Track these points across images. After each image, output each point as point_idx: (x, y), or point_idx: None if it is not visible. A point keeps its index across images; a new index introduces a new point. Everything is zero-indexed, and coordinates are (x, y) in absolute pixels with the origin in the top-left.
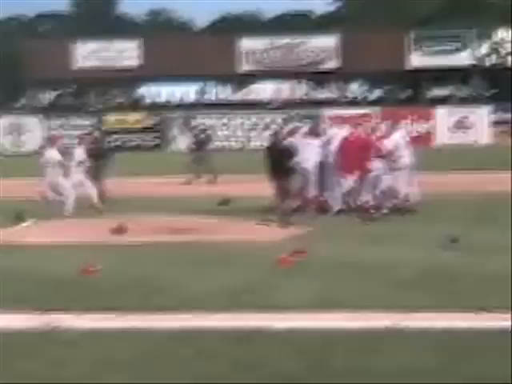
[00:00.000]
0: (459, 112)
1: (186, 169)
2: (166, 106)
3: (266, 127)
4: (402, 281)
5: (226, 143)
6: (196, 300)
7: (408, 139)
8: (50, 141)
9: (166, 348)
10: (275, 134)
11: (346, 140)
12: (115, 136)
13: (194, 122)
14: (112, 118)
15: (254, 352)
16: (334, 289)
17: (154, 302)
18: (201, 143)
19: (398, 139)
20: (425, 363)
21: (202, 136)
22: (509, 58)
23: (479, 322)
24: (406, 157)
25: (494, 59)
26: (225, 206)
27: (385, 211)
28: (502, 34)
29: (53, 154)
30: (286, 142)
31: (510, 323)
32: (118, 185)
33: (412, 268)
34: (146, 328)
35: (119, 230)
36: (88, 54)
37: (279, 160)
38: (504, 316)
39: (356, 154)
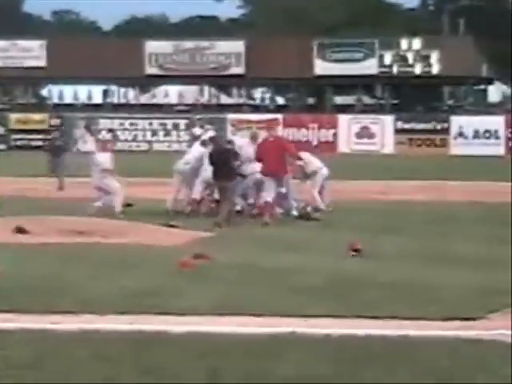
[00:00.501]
0: (363, 120)
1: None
2: (70, 107)
3: (170, 131)
4: (305, 287)
5: (129, 146)
6: (96, 302)
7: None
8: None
9: (62, 350)
10: (214, 137)
11: (264, 142)
12: (18, 136)
13: (97, 124)
14: (15, 118)
15: (152, 355)
16: (235, 294)
17: (53, 303)
18: (57, 148)
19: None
20: (323, 369)
21: (58, 142)
22: (416, 67)
23: (377, 329)
24: (317, 163)
25: (397, 68)
26: (129, 209)
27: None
28: (406, 43)
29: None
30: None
31: (407, 332)
32: (21, 185)
33: (316, 274)
34: (44, 329)
35: (20, 231)
36: None
37: (224, 163)
38: (401, 323)
39: (274, 157)
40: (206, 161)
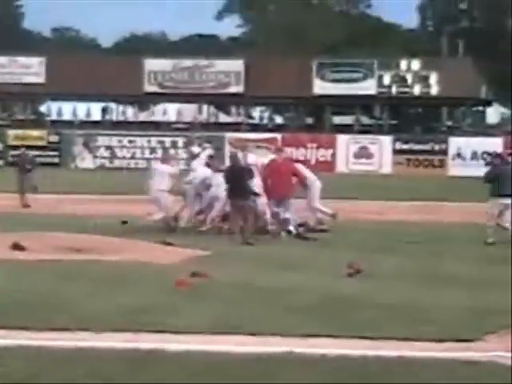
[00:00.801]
0: (361, 140)
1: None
2: (69, 124)
3: (168, 149)
4: (301, 306)
5: (127, 163)
6: (92, 319)
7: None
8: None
9: (58, 367)
10: (234, 155)
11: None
12: (16, 152)
13: (95, 141)
14: (13, 134)
15: (147, 374)
16: (232, 312)
17: (49, 320)
18: (24, 165)
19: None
20: None
21: (26, 158)
22: (414, 87)
23: (374, 350)
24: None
25: (397, 89)
26: (126, 226)
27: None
28: (405, 64)
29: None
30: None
31: (401, 353)
32: (19, 201)
33: (312, 294)
34: (40, 346)
35: (17, 247)
36: None
37: (239, 181)
38: (398, 344)
39: (282, 178)
40: (215, 179)
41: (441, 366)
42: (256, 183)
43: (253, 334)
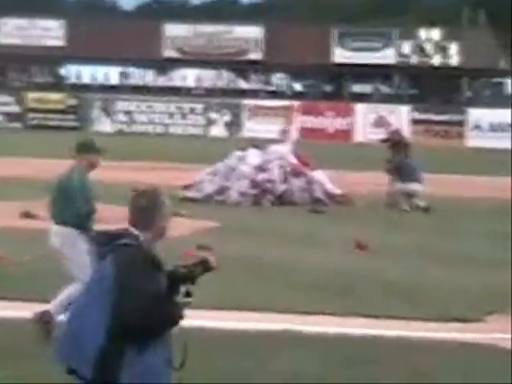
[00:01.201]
0: (379, 109)
1: None
2: (88, 88)
3: (186, 114)
4: (306, 283)
5: (146, 128)
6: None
7: None
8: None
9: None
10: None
11: None
12: (34, 115)
13: (114, 106)
14: (32, 97)
15: None
16: (236, 288)
17: (58, 291)
18: None
19: None
20: (315, 368)
21: None
22: (434, 57)
23: (372, 329)
24: None
25: (416, 59)
26: None
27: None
28: (425, 33)
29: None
30: None
31: (401, 333)
32: (36, 166)
33: (315, 270)
34: None
35: (28, 215)
36: (11, 30)
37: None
38: (397, 323)
39: None
40: None
41: (439, 347)
42: None
43: (254, 311)
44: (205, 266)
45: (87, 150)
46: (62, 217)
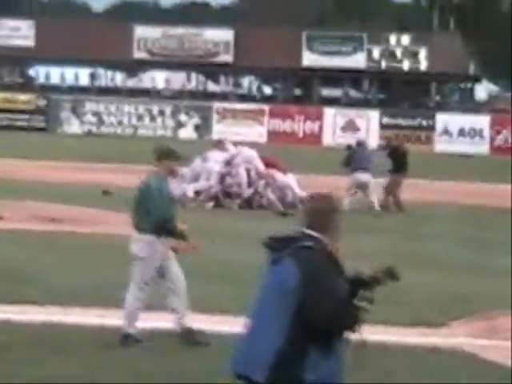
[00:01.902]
0: (348, 114)
1: None
2: (57, 89)
3: (155, 117)
4: None
5: (114, 130)
6: (62, 294)
7: None
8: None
9: (24, 341)
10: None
11: None
12: (3, 115)
13: (83, 107)
14: (1, 97)
15: (115, 352)
16: (209, 291)
17: (18, 292)
18: None
19: None
20: None
21: None
22: (404, 62)
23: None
24: None
25: (386, 63)
26: (107, 196)
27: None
28: (395, 38)
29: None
30: None
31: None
32: (2, 167)
33: None
34: (7, 320)
35: None
36: None
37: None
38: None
39: None
40: None
41: (405, 351)
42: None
43: (223, 313)
44: (390, 275)
45: (167, 156)
46: (142, 224)
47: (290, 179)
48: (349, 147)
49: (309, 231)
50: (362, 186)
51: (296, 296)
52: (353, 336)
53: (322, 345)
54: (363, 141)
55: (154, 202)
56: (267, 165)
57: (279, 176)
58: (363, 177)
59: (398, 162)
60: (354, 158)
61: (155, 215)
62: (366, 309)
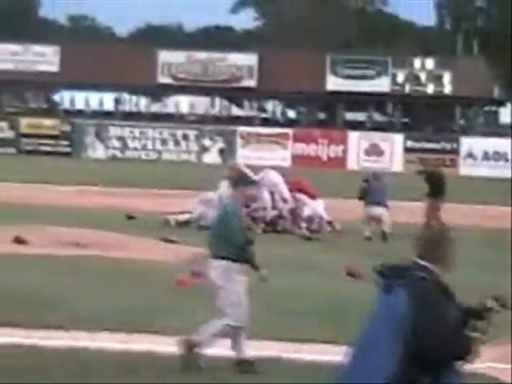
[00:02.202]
0: (372, 137)
1: None
2: (81, 114)
3: (179, 141)
4: (300, 311)
5: (139, 154)
6: (86, 318)
7: None
8: None
9: (49, 366)
10: None
11: None
12: (28, 140)
13: (107, 132)
14: (26, 122)
15: (135, 377)
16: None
17: (43, 317)
18: None
19: None
20: None
21: None
22: (428, 86)
23: None
24: None
25: (410, 87)
26: (131, 221)
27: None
28: (419, 62)
29: None
30: None
31: None
32: (28, 191)
33: (311, 298)
34: (32, 345)
35: (19, 241)
36: (4, 55)
37: None
38: None
39: None
40: None
41: None
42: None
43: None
44: (501, 303)
45: (243, 183)
46: (220, 251)
47: (318, 204)
48: (366, 180)
49: (422, 262)
50: (376, 219)
51: (407, 323)
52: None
53: (434, 375)
54: (380, 173)
55: (232, 228)
56: (297, 189)
57: (305, 200)
58: (377, 211)
59: (435, 186)
60: (369, 191)
61: (234, 242)
62: (479, 339)
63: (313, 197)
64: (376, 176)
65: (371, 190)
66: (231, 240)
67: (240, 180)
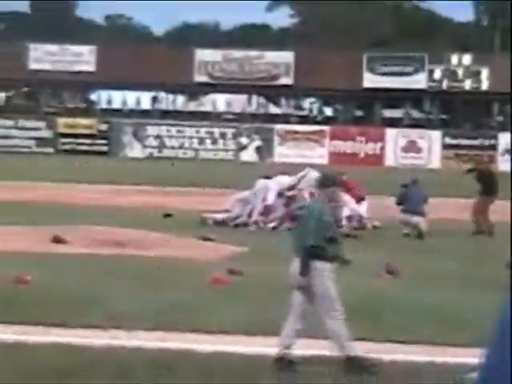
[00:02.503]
0: (410, 134)
1: None
2: (118, 113)
3: (216, 139)
4: None
5: (176, 153)
6: (124, 317)
7: None
8: None
9: (87, 365)
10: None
11: None
12: (65, 140)
13: (145, 131)
14: (63, 122)
15: (173, 376)
16: (264, 313)
17: (81, 317)
18: None
19: None
20: None
21: None
22: (465, 82)
23: (400, 354)
24: None
25: (447, 83)
26: (169, 219)
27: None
28: (457, 58)
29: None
30: None
31: (428, 358)
32: (66, 191)
33: (348, 295)
34: (71, 343)
35: (58, 240)
36: (43, 55)
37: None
38: (425, 348)
39: None
40: None
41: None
42: None
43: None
44: None
45: (328, 183)
46: (299, 250)
47: (362, 205)
48: (404, 185)
49: None
50: (411, 226)
51: None
52: None
53: None
54: (418, 179)
55: (317, 227)
56: (346, 190)
57: (347, 199)
58: (413, 220)
59: (486, 184)
60: (407, 197)
61: (319, 240)
62: None
63: (362, 198)
64: (415, 181)
65: (409, 196)
66: (314, 239)
67: (325, 180)
